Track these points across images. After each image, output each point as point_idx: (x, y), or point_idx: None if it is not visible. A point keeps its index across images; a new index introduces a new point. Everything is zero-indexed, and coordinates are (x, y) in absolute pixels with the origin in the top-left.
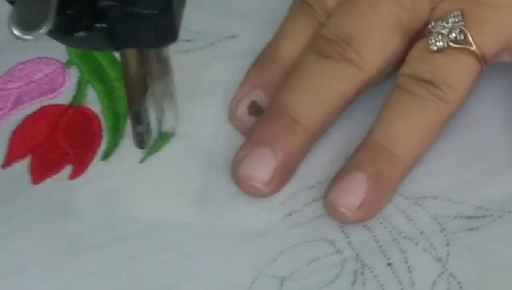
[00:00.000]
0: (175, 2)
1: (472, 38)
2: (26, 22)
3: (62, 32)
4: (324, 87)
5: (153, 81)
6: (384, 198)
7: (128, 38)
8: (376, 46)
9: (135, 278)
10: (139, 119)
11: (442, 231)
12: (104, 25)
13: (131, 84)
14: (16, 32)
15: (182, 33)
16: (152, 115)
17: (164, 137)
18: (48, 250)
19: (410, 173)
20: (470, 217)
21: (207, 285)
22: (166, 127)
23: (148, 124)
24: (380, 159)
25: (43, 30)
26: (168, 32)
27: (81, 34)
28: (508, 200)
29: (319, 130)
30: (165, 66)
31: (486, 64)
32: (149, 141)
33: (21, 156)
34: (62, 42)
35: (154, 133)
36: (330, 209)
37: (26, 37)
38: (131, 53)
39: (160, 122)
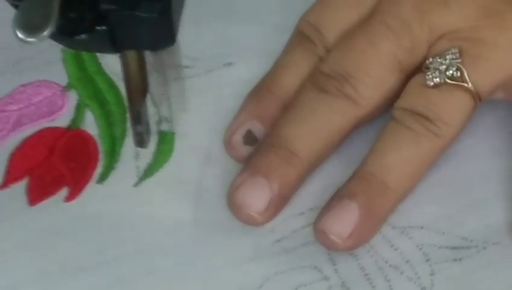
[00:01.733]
0: (173, 6)
1: (468, 76)
2: (30, 25)
3: (64, 34)
4: (322, 121)
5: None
6: (374, 228)
7: (128, 40)
8: (373, 84)
9: None
10: (138, 119)
11: (427, 260)
12: (104, 27)
13: (131, 86)
14: (20, 35)
15: None
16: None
17: (158, 162)
18: (40, 271)
19: None
20: (455, 248)
21: None
22: (165, 126)
23: (147, 124)
24: (373, 189)
25: (46, 33)
26: (167, 35)
27: (83, 36)
28: (492, 232)
29: (314, 163)
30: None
31: (480, 101)
32: (148, 140)
33: (19, 178)
34: (64, 44)
35: (153, 132)
36: (321, 236)
37: (29, 39)
38: (131, 55)
39: (159, 121)
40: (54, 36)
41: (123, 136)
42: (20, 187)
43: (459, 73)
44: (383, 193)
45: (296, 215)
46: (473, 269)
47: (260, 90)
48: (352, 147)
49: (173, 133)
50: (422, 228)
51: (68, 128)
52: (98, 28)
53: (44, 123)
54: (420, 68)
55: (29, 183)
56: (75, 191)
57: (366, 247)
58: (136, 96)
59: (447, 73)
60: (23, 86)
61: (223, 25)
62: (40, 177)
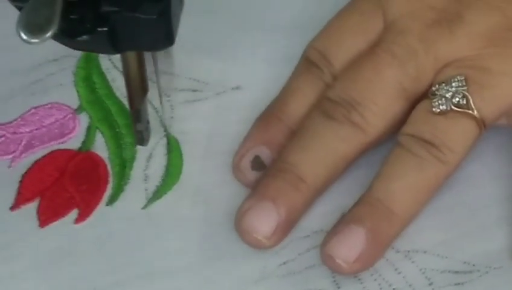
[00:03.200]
0: (172, 8)
1: (474, 104)
2: (33, 26)
3: (66, 36)
4: (329, 148)
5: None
6: (380, 252)
7: (129, 41)
8: (380, 111)
9: None
10: (138, 117)
11: (430, 284)
12: (105, 29)
13: (131, 86)
14: (24, 36)
15: (188, 83)
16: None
17: (167, 184)
18: None
19: None
20: (457, 272)
21: None
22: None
23: (147, 122)
24: (379, 215)
25: (49, 34)
26: (166, 36)
27: (84, 37)
28: (494, 257)
29: (321, 188)
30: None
31: (485, 128)
32: (148, 138)
33: (29, 199)
34: (66, 45)
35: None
36: (327, 260)
37: (32, 40)
38: (132, 56)
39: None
40: (57, 37)
41: (133, 158)
42: (31, 209)
43: (465, 100)
44: (389, 219)
45: (301, 238)
46: None
47: (267, 116)
48: (358, 171)
49: (181, 157)
50: (425, 252)
51: (79, 151)
52: (99, 29)
53: (56, 145)
54: (426, 94)
55: (39, 204)
56: (85, 213)
57: (370, 270)
58: (136, 95)
59: (453, 100)
60: (35, 108)
61: (232, 49)
62: (50, 199)
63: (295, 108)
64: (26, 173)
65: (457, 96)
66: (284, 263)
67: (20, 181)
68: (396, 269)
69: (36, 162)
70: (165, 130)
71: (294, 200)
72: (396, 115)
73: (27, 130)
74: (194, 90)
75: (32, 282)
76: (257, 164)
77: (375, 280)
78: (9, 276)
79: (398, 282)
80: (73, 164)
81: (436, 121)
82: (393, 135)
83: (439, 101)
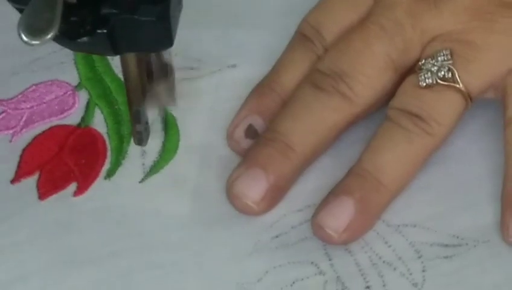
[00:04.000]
0: (171, 10)
1: (459, 77)
2: (34, 28)
3: (67, 37)
4: (317, 117)
5: (155, 82)
6: (368, 222)
7: (128, 43)
8: (368, 82)
9: None
10: (138, 118)
11: (419, 257)
12: (105, 31)
13: (130, 86)
14: (25, 38)
15: (185, 61)
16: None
17: (163, 159)
18: (49, 262)
19: (393, 202)
20: (446, 246)
21: None
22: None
23: (146, 123)
24: (368, 186)
25: (50, 36)
26: (165, 38)
27: (84, 39)
28: (483, 231)
29: (310, 157)
30: (166, 68)
31: (472, 101)
32: (147, 139)
33: (29, 173)
34: (67, 47)
35: (159, 130)
36: (317, 230)
37: (33, 42)
38: (131, 57)
39: (163, 120)
40: (57, 39)
41: (130, 134)
42: (30, 182)
43: (450, 74)
44: (377, 190)
45: (294, 212)
46: (463, 266)
47: (261, 87)
48: (349, 146)
49: (178, 132)
50: (415, 226)
51: (78, 126)
52: (98, 31)
53: (55, 121)
54: (413, 69)
55: (39, 178)
56: (84, 186)
57: (361, 243)
58: (136, 96)
59: (439, 74)
60: (35, 85)
61: (228, 28)
62: (50, 173)
63: (288, 79)
64: (26, 147)
65: (442, 70)
66: (277, 236)
67: (21, 155)
68: (386, 242)
69: (36, 137)
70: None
71: (283, 167)
72: (384, 86)
73: (28, 106)
74: (191, 68)
75: (31, 253)
76: (251, 132)
77: (365, 252)
78: (10, 247)
79: (388, 255)
80: (72, 139)
81: (422, 95)
82: (384, 108)
83: (426, 75)
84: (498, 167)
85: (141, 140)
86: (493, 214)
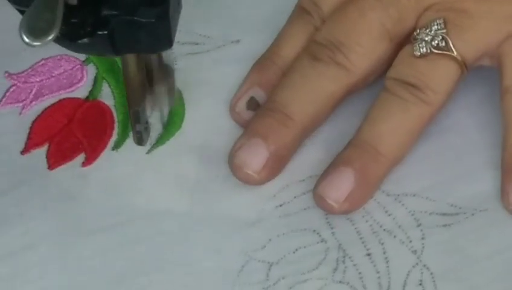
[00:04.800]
0: (171, 11)
1: (453, 45)
2: (35, 29)
3: (67, 39)
4: (315, 87)
5: (154, 83)
6: (368, 192)
7: (128, 44)
8: (364, 52)
9: (135, 259)
10: (138, 118)
11: (418, 225)
12: (105, 32)
13: (131, 87)
14: (26, 39)
15: (191, 37)
16: (154, 114)
17: (170, 131)
18: (58, 230)
19: (393, 172)
20: (444, 214)
21: (201, 268)
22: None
23: (146, 123)
24: (366, 156)
25: (50, 37)
26: (164, 39)
27: (85, 40)
28: (480, 200)
29: (308, 126)
30: (165, 69)
31: (467, 69)
32: (147, 138)
33: (39, 144)
34: (67, 48)
35: (159, 129)
36: (319, 200)
37: (35, 43)
38: (131, 58)
39: (162, 119)
40: (58, 40)
41: None
42: (40, 153)
43: (444, 43)
44: (376, 159)
45: (297, 182)
46: (461, 234)
47: (263, 60)
48: (350, 118)
49: (184, 105)
50: (414, 195)
51: (86, 99)
52: (99, 32)
53: (64, 94)
54: (409, 39)
55: (49, 149)
56: (92, 157)
57: (362, 212)
58: (136, 96)
59: (433, 43)
60: (45, 59)
61: (231, 4)
62: (59, 144)
63: (287, 52)
64: (36, 119)
65: (436, 39)
66: (281, 205)
67: (30, 127)
68: (386, 211)
69: (46, 110)
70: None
71: (282, 137)
72: (380, 56)
73: (37, 79)
74: (196, 44)
75: (40, 221)
76: (252, 104)
77: (366, 221)
78: (19, 215)
79: (388, 223)
80: (80, 112)
81: (418, 64)
82: (382, 80)
83: (420, 45)
84: (496, 137)
85: (141, 140)
86: (491, 183)
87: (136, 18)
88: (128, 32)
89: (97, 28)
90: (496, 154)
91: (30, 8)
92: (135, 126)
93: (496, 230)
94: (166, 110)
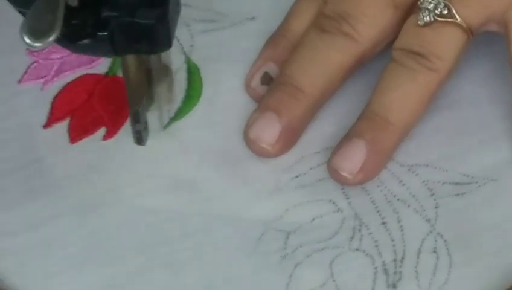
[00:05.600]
0: (170, 13)
1: (456, 12)
2: (36, 31)
3: (68, 40)
4: (323, 58)
5: (154, 83)
6: (381, 162)
7: (128, 45)
8: (370, 22)
9: (154, 229)
10: (137, 118)
11: (431, 195)
12: (106, 33)
13: (131, 87)
14: (27, 40)
15: (207, 14)
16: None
17: (188, 106)
18: (79, 202)
19: (405, 143)
20: (457, 184)
21: (220, 236)
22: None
23: (145, 123)
24: (377, 126)
25: (52, 38)
26: (164, 40)
27: (85, 41)
28: (492, 170)
29: (319, 97)
30: (164, 69)
31: (473, 34)
32: (146, 138)
33: (61, 118)
34: (68, 49)
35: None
36: (333, 173)
37: (36, 44)
38: (131, 59)
39: (161, 119)
40: (59, 41)
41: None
42: (62, 127)
43: (446, 10)
44: (387, 129)
45: (312, 154)
46: (473, 202)
47: (274, 36)
48: (360, 91)
49: (201, 81)
50: (427, 166)
51: (106, 75)
52: (99, 33)
53: (85, 70)
54: (414, 9)
55: (70, 123)
56: (112, 130)
57: (377, 182)
58: (135, 96)
59: (436, 11)
60: None
61: None
62: (80, 118)
63: (297, 26)
64: (57, 94)
65: (439, 7)
66: (297, 177)
67: (52, 102)
68: (400, 181)
69: (67, 85)
70: (186, 56)
71: (294, 109)
72: (387, 25)
73: (58, 56)
74: (213, 21)
75: (62, 193)
76: (266, 79)
77: (381, 191)
78: (42, 187)
79: (402, 193)
80: (101, 87)
81: (423, 33)
82: (389, 51)
83: (423, 14)
84: (506, 109)
85: (141, 139)
86: (502, 154)
87: (136, 19)
88: (128, 33)
89: (97, 29)
90: (507, 125)
91: (31, 10)
92: (135, 126)
93: (507, 199)
94: (165, 110)
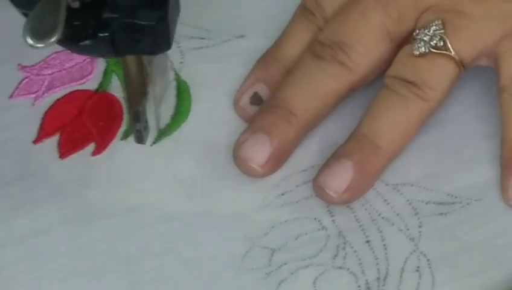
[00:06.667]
0: (170, 14)
1: (451, 45)
2: (39, 32)
3: (70, 41)
4: (317, 84)
5: (152, 84)
6: (367, 183)
7: (128, 46)
8: (365, 51)
9: (143, 243)
10: (137, 117)
11: (415, 214)
12: (106, 34)
13: (131, 87)
14: (30, 41)
15: (197, 32)
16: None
17: (176, 122)
18: (68, 216)
19: (392, 162)
20: (441, 203)
21: (206, 253)
22: (163, 123)
23: (145, 122)
24: (365, 149)
25: (53, 39)
26: (164, 41)
27: (87, 42)
28: (476, 189)
29: (311, 122)
30: (161, 69)
31: (464, 68)
32: (146, 137)
33: (51, 134)
34: (70, 49)
35: (154, 130)
36: (319, 191)
37: (38, 45)
38: (131, 59)
39: (158, 119)
40: (61, 42)
41: None
42: (52, 142)
43: (442, 42)
44: (375, 152)
45: (299, 172)
46: (457, 222)
47: (266, 57)
48: (351, 112)
49: (190, 97)
50: (412, 185)
51: (96, 91)
52: (100, 34)
53: (75, 86)
54: (409, 39)
55: (60, 138)
56: (101, 146)
57: (361, 201)
58: (135, 96)
59: (431, 43)
60: (56, 53)
61: (237, 0)
62: (70, 134)
63: (290, 49)
64: (48, 110)
65: (435, 39)
66: (283, 194)
67: (43, 117)
68: (385, 200)
69: (57, 101)
70: (176, 74)
71: (285, 132)
72: (381, 55)
73: (49, 72)
74: (203, 38)
75: (52, 207)
76: (255, 99)
77: (365, 209)
78: (32, 202)
79: (387, 211)
80: (91, 103)
81: (417, 63)
82: (382, 77)
83: (419, 44)
84: (491, 130)
85: (141, 138)
86: (486, 174)
87: (136, 21)
88: (129, 34)
89: (98, 31)
90: (491, 146)
91: (34, 11)
92: (135, 125)
93: (490, 219)
94: (160, 110)
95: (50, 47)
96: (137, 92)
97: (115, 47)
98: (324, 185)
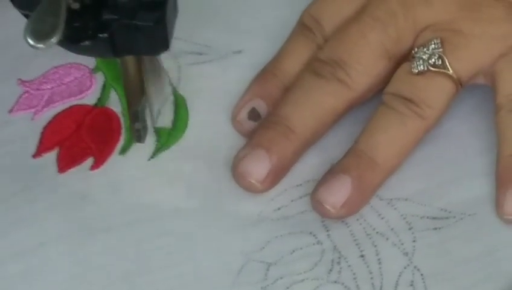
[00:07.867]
0: (168, 16)
1: (449, 64)
2: (39, 33)
3: (70, 41)
4: (316, 102)
5: (147, 83)
6: (364, 199)
7: (127, 47)
8: (364, 70)
9: (141, 258)
10: (136, 117)
11: (410, 229)
12: (106, 35)
13: (130, 87)
14: (30, 42)
15: (195, 47)
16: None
17: (174, 137)
18: (67, 230)
19: None
20: (435, 218)
21: (202, 267)
22: (161, 123)
23: (144, 122)
24: (363, 165)
25: (54, 40)
26: (162, 42)
27: (86, 43)
28: (469, 204)
29: (310, 139)
30: (159, 69)
31: (462, 86)
32: (145, 136)
33: (50, 148)
34: (70, 50)
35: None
36: (317, 205)
37: (38, 45)
38: (130, 60)
39: (154, 119)
40: (61, 43)
41: None
42: (51, 156)
43: (440, 61)
44: (372, 168)
45: (294, 187)
46: (450, 237)
47: (265, 73)
48: (347, 127)
49: (188, 112)
50: (406, 199)
51: (95, 106)
52: (100, 35)
53: (74, 101)
54: (407, 58)
55: (59, 153)
56: (100, 161)
57: (356, 216)
58: (134, 96)
59: (430, 61)
60: (55, 67)
61: (234, 16)
62: (69, 148)
63: (289, 66)
64: (47, 125)
65: (433, 58)
66: (279, 209)
67: (42, 132)
68: (379, 215)
69: (56, 116)
70: (173, 88)
71: (284, 149)
72: (379, 74)
73: (48, 86)
74: (200, 54)
75: (51, 221)
76: (253, 114)
77: (360, 224)
78: (31, 215)
79: (381, 226)
80: (89, 118)
81: (415, 81)
82: (380, 94)
83: (418, 62)
84: (485, 145)
85: (140, 137)
86: (479, 189)
87: (135, 22)
88: (128, 35)
89: (98, 31)
90: (485, 161)
91: (34, 12)
92: (134, 125)
93: (483, 233)
94: (156, 110)
95: (50, 47)
96: (136, 92)
97: (114, 48)
98: (322, 200)
